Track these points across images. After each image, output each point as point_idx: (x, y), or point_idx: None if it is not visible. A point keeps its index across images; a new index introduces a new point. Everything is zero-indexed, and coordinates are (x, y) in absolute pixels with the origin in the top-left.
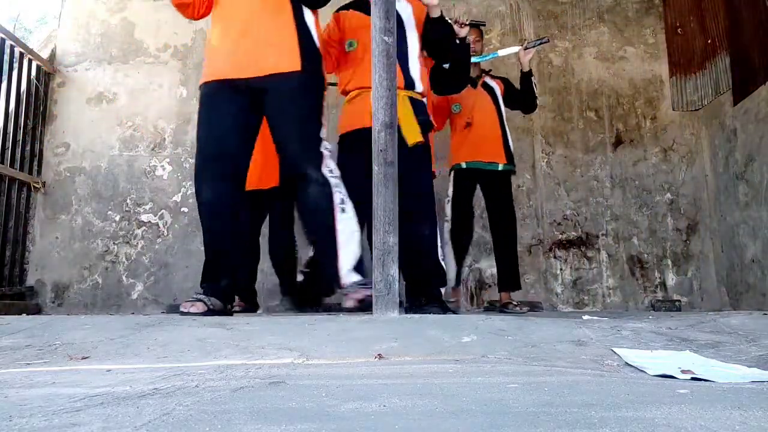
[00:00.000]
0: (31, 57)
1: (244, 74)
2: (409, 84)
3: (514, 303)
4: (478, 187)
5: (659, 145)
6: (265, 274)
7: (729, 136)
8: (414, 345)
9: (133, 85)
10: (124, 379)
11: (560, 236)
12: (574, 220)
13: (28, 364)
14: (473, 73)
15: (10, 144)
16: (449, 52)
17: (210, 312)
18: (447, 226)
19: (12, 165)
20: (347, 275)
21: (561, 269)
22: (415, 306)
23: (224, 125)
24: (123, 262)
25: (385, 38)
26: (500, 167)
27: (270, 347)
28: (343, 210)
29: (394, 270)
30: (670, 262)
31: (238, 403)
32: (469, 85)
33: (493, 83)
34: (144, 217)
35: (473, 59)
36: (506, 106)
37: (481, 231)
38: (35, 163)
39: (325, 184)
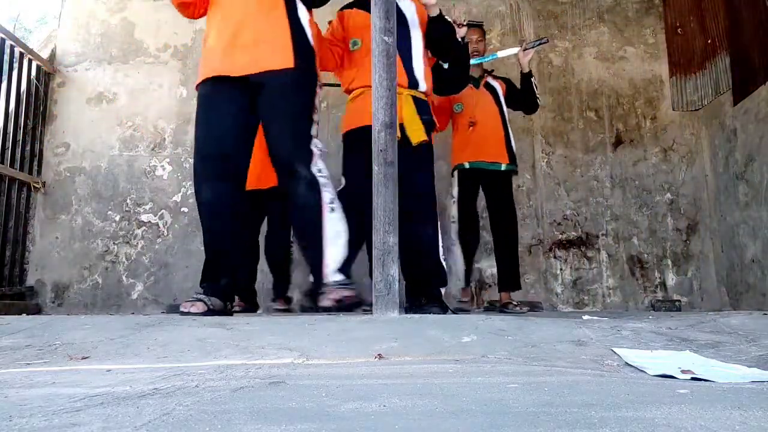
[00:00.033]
0: (31, 57)
1: (239, 72)
2: (413, 83)
3: (514, 303)
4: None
5: (659, 145)
6: (265, 274)
7: (729, 136)
8: (414, 345)
9: (133, 85)
10: (124, 379)
11: (560, 236)
12: (574, 220)
13: (28, 364)
14: (476, 73)
15: (10, 144)
16: (451, 50)
17: (210, 312)
18: (455, 227)
19: (12, 165)
20: (331, 274)
21: (561, 269)
22: (415, 306)
23: (223, 125)
24: (123, 262)
25: (385, 38)
26: (503, 167)
27: (270, 347)
28: (332, 210)
29: (394, 270)
30: (670, 262)
31: (238, 403)
32: (471, 85)
33: (495, 83)
34: (144, 217)
35: (473, 60)
36: (508, 106)
37: (481, 231)
38: (35, 163)
39: (314, 182)
